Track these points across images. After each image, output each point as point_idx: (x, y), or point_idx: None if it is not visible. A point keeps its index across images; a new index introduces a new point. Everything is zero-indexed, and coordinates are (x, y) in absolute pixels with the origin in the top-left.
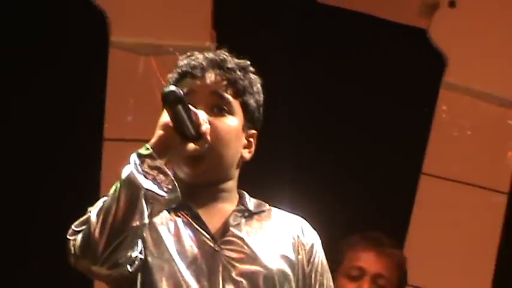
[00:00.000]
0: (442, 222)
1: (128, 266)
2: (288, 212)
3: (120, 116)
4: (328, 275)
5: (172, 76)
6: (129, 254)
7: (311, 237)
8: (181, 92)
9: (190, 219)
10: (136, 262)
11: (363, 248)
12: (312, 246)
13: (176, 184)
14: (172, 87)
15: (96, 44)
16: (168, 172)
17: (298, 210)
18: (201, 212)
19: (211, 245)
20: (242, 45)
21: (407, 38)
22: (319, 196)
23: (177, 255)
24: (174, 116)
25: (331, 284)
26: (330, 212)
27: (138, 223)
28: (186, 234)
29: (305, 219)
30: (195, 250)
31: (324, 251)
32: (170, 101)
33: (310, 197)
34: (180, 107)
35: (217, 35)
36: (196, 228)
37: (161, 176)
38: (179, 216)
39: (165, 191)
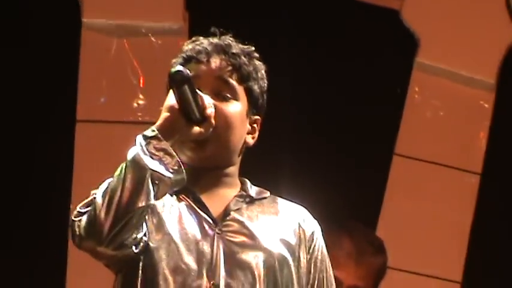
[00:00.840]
0: (415, 202)
1: (133, 247)
2: (290, 200)
3: (93, 97)
4: (328, 263)
5: (176, 61)
6: (134, 235)
7: (312, 225)
8: (188, 72)
9: (192, 203)
10: (142, 243)
11: (343, 256)
12: (313, 233)
13: (182, 165)
14: (180, 67)
15: (68, 25)
16: (174, 153)
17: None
18: (203, 196)
19: (213, 228)
20: (214, 25)
21: (379, 19)
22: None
23: (178, 238)
24: (180, 97)
25: (331, 272)
26: (305, 193)
27: (143, 204)
28: (188, 217)
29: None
30: (196, 233)
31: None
32: (177, 81)
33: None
34: (186, 87)
35: (190, 16)
36: (198, 212)
37: (167, 157)
38: (181, 200)
39: (171, 172)
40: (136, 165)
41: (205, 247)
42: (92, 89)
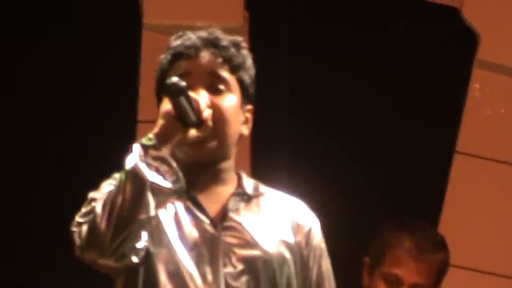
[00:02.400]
0: (477, 200)
1: (134, 258)
2: (286, 194)
3: (154, 98)
4: (326, 258)
5: (165, 57)
6: (135, 246)
7: (309, 220)
8: (183, 83)
9: (189, 204)
10: (142, 253)
11: (403, 253)
12: (310, 229)
13: (180, 174)
14: (175, 79)
15: (129, 26)
16: (172, 163)
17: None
18: (200, 197)
19: (211, 230)
20: (274, 25)
21: (439, 17)
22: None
23: (177, 241)
24: (176, 105)
25: (329, 266)
26: (363, 190)
27: (144, 216)
28: (186, 219)
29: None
30: (195, 236)
31: (327, 234)
32: (172, 93)
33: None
34: (182, 97)
35: (250, 16)
36: (196, 214)
37: (165, 167)
38: (178, 202)
39: (169, 182)
40: (135, 177)
41: (204, 250)
42: (153, 90)
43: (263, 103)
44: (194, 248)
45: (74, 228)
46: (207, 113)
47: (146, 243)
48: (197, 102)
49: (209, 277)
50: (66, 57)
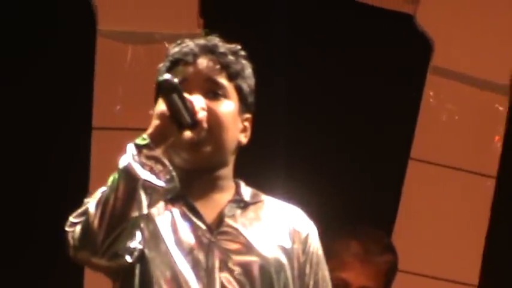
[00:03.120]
0: (431, 207)
1: (127, 257)
2: (283, 201)
3: (109, 105)
4: (323, 265)
5: (164, 64)
6: (128, 244)
7: (306, 227)
8: (176, 80)
9: (185, 210)
10: (136, 253)
11: (349, 257)
12: (307, 236)
13: (174, 174)
14: (167, 76)
15: (84, 33)
16: (166, 162)
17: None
18: (197, 203)
19: (208, 236)
20: (229, 32)
21: (393, 24)
22: (309, 182)
23: (174, 246)
24: (170, 104)
25: (327, 273)
26: (319, 198)
27: (136, 214)
28: (182, 225)
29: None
30: (192, 241)
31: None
32: (165, 90)
33: (299, 183)
34: (175, 95)
35: (205, 23)
36: (192, 219)
37: (159, 166)
38: (175, 207)
39: (163, 181)
40: (128, 175)
41: (201, 255)
42: (107, 96)
43: None
44: (190, 254)
45: (68, 229)
46: (201, 114)
47: (140, 244)
48: (191, 103)
49: (205, 282)
50: (18, 63)
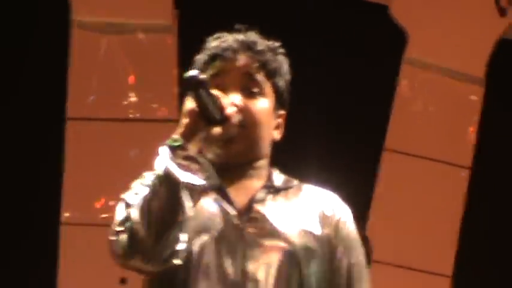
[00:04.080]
0: (405, 197)
1: (176, 260)
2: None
3: (83, 95)
4: (357, 249)
5: (201, 58)
6: (176, 247)
7: (339, 211)
8: (202, 76)
9: (216, 194)
10: (183, 253)
11: None
12: (339, 220)
13: (212, 170)
14: (193, 72)
15: (58, 23)
16: (201, 160)
17: None
18: (229, 189)
19: (236, 221)
20: (203, 23)
21: (368, 15)
22: None
23: (202, 231)
24: (197, 100)
25: (362, 258)
26: None
27: (182, 218)
28: (213, 209)
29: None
30: (221, 226)
31: None
32: (191, 86)
33: None
34: (201, 91)
35: (179, 14)
36: (223, 205)
37: (195, 165)
38: (208, 194)
39: (201, 180)
40: (168, 180)
41: (229, 240)
42: (82, 87)
43: None
44: (219, 238)
45: (112, 237)
46: (230, 110)
47: (186, 244)
48: (219, 98)
49: (232, 267)
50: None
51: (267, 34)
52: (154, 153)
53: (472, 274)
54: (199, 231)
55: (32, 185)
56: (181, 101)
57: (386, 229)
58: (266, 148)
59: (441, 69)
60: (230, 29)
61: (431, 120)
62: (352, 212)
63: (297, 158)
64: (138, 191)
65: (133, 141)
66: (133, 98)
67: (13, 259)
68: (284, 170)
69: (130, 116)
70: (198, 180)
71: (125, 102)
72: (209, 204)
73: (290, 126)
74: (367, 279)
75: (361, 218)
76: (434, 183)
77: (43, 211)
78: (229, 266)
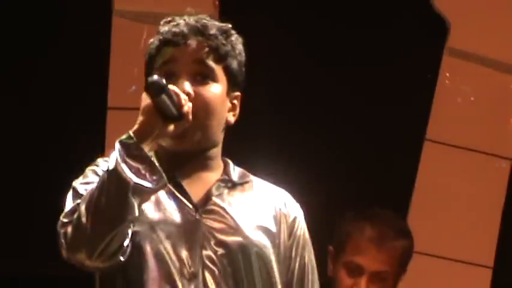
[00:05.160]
0: (446, 188)
1: (121, 256)
2: (271, 183)
3: (124, 85)
4: (309, 248)
5: (153, 42)
6: (122, 245)
7: (293, 210)
8: (164, 81)
9: (172, 188)
10: (128, 250)
11: (364, 242)
12: (294, 218)
13: (162, 173)
14: (155, 77)
15: (100, 13)
16: (153, 161)
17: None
18: (184, 181)
19: (193, 213)
20: (244, 12)
21: (409, 4)
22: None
23: (158, 223)
24: (157, 103)
25: (312, 257)
26: (331, 179)
27: (130, 217)
28: (168, 202)
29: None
30: (177, 219)
31: (310, 222)
32: (154, 90)
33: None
34: (163, 95)
35: (220, 3)
36: (178, 197)
37: (146, 166)
38: None
39: (150, 182)
40: (118, 178)
41: (185, 233)
42: (123, 77)
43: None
44: (175, 231)
45: (60, 229)
46: (187, 107)
47: (130, 241)
48: (178, 95)
49: (189, 259)
50: (36, 43)
51: (308, 23)
52: None
53: None
54: (155, 225)
55: (72, 175)
56: None
57: (427, 220)
58: (219, 135)
59: (483, 59)
60: (272, 18)
61: (472, 110)
62: (394, 203)
63: (336, 147)
64: (89, 180)
65: None
66: None
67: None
68: (324, 158)
69: None
70: (147, 182)
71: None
72: (164, 198)
73: (331, 114)
74: (317, 279)
75: (402, 209)
76: (476, 174)
77: None
78: (186, 258)
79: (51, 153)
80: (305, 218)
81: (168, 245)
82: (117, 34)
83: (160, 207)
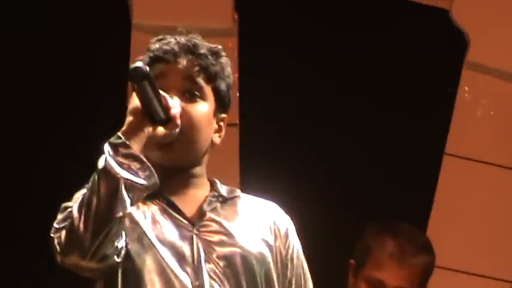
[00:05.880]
0: (466, 202)
1: (116, 257)
2: (259, 197)
3: None
4: (302, 259)
5: (143, 59)
6: (115, 245)
7: (285, 222)
8: (147, 68)
9: (165, 206)
10: (123, 251)
11: (385, 257)
12: (287, 230)
13: (152, 170)
14: (138, 63)
15: (118, 26)
16: (143, 159)
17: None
18: (174, 198)
19: (190, 229)
20: (263, 26)
21: (429, 18)
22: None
23: (157, 241)
24: (142, 94)
25: (306, 266)
26: (350, 193)
27: (121, 214)
28: (163, 220)
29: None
30: (174, 235)
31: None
32: (136, 77)
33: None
34: (146, 83)
35: (239, 16)
36: (172, 215)
37: (136, 164)
38: (153, 204)
39: (142, 178)
40: (108, 176)
41: (185, 249)
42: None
43: (248, 109)
44: (174, 247)
45: (53, 235)
46: (175, 111)
47: (125, 242)
48: (165, 98)
49: (192, 274)
50: (56, 57)
51: (321, 35)
52: None
53: None
54: (155, 244)
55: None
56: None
57: (447, 234)
58: (204, 152)
59: (502, 73)
60: (290, 31)
61: (492, 124)
62: (414, 217)
63: (353, 160)
64: (80, 192)
65: None
66: None
67: None
68: (342, 170)
69: None
70: (138, 178)
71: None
72: (159, 217)
73: (350, 128)
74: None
75: (421, 223)
76: (495, 188)
77: None
78: (190, 274)
79: (71, 167)
80: (323, 232)
81: (170, 262)
82: (135, 47)
83: (155, 225)
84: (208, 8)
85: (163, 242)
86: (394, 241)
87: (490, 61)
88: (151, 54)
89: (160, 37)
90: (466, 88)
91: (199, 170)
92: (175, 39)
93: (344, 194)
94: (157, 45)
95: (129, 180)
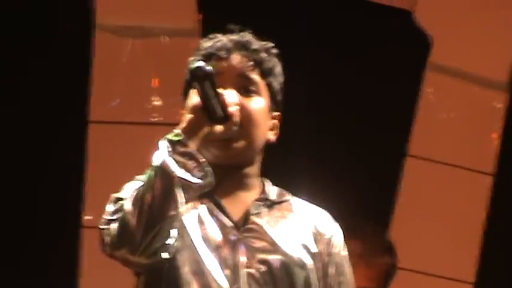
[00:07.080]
0: (428, 203)
1: (165, 254)
2: (310, 203)
3: (106, 98)
4: (347, 266)
5: (195, 58)
6: (166, 242)
7: (331, 229)
8: (210, 67)
9: (213, 207)
10: (172, 249)
11: (352, 258)
12: (331, 237)
13: (209, 169)
14: (200, 63)
15: (81, 26)
16: (200, 158)
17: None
18: (223, 200)
19: (234, 233)
20: (226, 26)
21: (392, 20)
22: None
23: (201, 242)
24: (202, 93)
25: (351, 276)
26: (318, 195)
27: (174, 212)
28: (209, 221)
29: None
30: (218, 238)
31: None
32: (198, 77)
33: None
34: (208, 83)
35: (203, 17)
36: (219, 217)
37: (193, 162)
38: (202, 204)
39: (198, 178)
40: (164, 173)
41: (227, 252)
42: (105, 90)
43: None
44: (216, 250)
45: (103, 226)
46: (233, 108)
47: (176, 240)
48: (223, 96)
49: (231, 278)
50: (16, 56)
51: (285, 36)
52: None
53: (494, 281)
54: (197, 244)
55: (54, 188)
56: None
57: (409, 235)
58: (260, 149)
59: (465, 74)
60: (253, 33)
61: (454, 126)
62: (376, 218)
63: (318, 164)
64: (133, 185)
65: (156, 145)
66: (156, 102)
67: (35, 264)
68: (306, 176)
69: (154, 119)
70: (193, 177)
71: (148, 106)
72: (206, 217)
73: (315, 132)
74: None
75: (384, 224)
76: (457, 190)
77: (64, 214)
78: (226, 277)
79: (32, 167)
80: None
81: (209, 264)
82: (99, 48)
83: (200, 226)
84: (172, 8)
85: (206, 243)
86: (357, 241)
87: (453, 63)
88: (204, 52)
89: (211, 36)
90: (429, 90)
91: (253, 169)
92: (227, 36)
93: (308, 196)
94: (209, 43)
95: (184, 179)
